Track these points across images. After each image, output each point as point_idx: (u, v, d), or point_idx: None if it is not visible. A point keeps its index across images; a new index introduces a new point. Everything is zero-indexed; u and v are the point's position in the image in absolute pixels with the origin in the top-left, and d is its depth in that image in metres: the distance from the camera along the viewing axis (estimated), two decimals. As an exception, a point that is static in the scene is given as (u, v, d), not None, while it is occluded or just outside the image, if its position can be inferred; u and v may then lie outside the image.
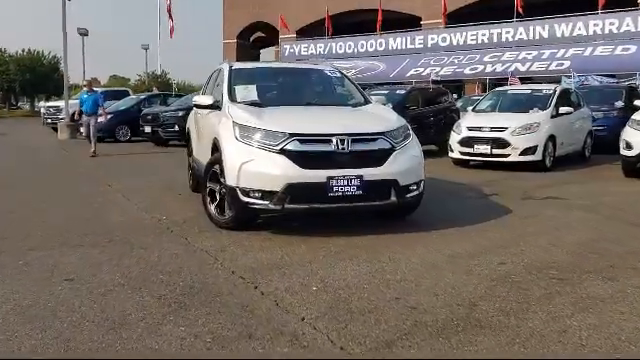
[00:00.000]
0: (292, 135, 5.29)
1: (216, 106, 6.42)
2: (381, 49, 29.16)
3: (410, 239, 5.44)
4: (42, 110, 32.35)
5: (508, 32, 26.38)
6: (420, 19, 32.04)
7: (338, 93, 7.14)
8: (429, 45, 28.84)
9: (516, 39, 26.09)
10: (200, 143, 7.30)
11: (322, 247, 5.09)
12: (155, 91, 29.41)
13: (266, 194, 5.28)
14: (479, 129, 11.62)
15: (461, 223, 6.12)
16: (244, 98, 6.35)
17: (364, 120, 5.94)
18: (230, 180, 5.41)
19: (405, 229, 5.83)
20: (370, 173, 5.35)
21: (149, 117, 18.37)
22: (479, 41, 27.32)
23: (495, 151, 11.19)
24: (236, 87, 6.52)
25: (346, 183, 5.27)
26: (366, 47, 30.58)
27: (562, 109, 12.02)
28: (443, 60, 26.36)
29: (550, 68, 22.59)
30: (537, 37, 25.55)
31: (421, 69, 25.88)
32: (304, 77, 7.31)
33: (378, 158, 5.46)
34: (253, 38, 46.30)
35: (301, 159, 5.25)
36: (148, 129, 18.26)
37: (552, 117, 11.76)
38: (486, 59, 25.31)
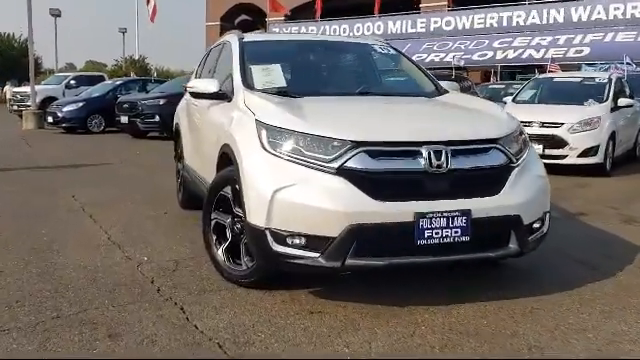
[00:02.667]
0: (357, 144, 3.23)
1: (223, 95, 4.33)
2: (379, 33, 27.05)
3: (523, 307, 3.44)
4: (7, 96, 29.75)
5: (519, 16, 24.42)
6: (420, 1, 29.99)
7: (398, 78, 5.09)
8: (432, 29, 26.74)
9: (528, 23, 24.14)
10: (198, 148, 5.19)
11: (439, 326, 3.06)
12: (133, 76, 27.01)
13: (315, 242, 3.22)
14: (527, 124, 9.61)
15: (585, 276, 4.13)
16: (265, 84, 4.25)
17: (461, 119, 3.86)
18: (255, 216, 3.34)
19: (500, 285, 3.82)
20: (481, 207, 3.31)
21: (126, 106, 16.11)
22: (487, 25, 25.28)
23: (548, 151, 9.17)
24: (252, 68, 4.42)
25: (445, 224, 3.23)
26: (362, 30, 28.36)
27: (621, 101, 10.12)
28: (448, 46, 24.37)
29: (568, 55, 20.77)
30: (551, 21, 23.64)
31: (424, 55, 23.84)
32: (346, 54, 5.20)
33: (491, 181, 3.43)
34: (238, 21, 43.80)
35: (373, 185, 3.20)
36: (125, 119, 16.01)
37: (611, 111, 9.83)
38: (496, 45, 23.38)
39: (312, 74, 4.88)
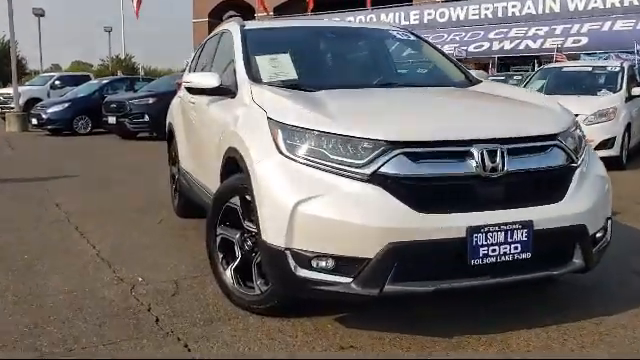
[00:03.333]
0: (394, 145, 2.67)
1: (226, 91, 3.76)
2: (371, 26, 26.40)
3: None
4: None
5: (515, 6, 23.90)
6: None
7: (422, 66, 4.53)
8: (425, 21, 26.14)
9: (523, 14, 23.67)
10: (196, 151, 4.62)
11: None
12: (120, 75, 26.30)
13: (347, 264, 2.66)
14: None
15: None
16: (273, 77, 3.69)
17: (511, 112, 3.27)
18: (272, 235, 2.78)
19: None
20: (544, 217, 2.76)
21: (113, 105, 15.45)
22: (482, 16, 24.73)
23: (563, 145, 8.65)
24: (258, 59, 3.85)
25: (503, 238, 2.68)
26: (354, 24, 27.77)
27: (635, 90, 9.62)
28: (442, 38, 23.80)
29: (566, 45, 20.28)
30: (547, 11, 23.17)
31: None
32: (361, 41, 4.62)
33: (554, 186, 2.88)
34: (226, 17, 43.05)
35: (415, 194, 2.65)
36: (112, 120, 15.34)
37: (626, 101, 9.34)
38: (491, 36, 22.84)
39: (325, 64, 4.31)
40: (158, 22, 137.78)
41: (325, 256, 2.67)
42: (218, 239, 3.41)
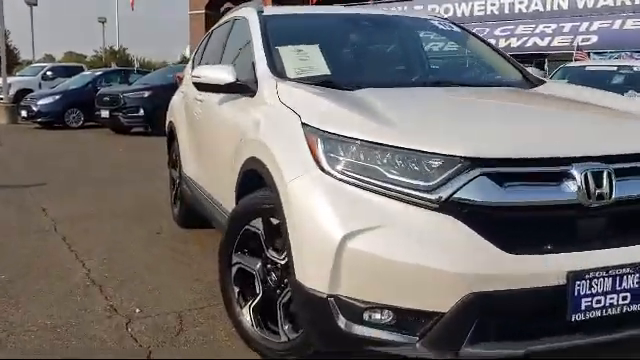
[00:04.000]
0: (474, 163, 2.04)
1: (243, 88, 3.13)
2: (373, 21, 25.71)
3: None
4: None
5: (522, 2, 23.28)
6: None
7: (471, 62, 3.91)
8: (428, 17, 25.58)
9: (531, 10, 23.03)
10: (204, 157, 3.99)
11: None
12: (114, 67, 25.54)
13: (411, 319, 2.04)
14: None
15: None
16: (301, 72, 3.06)
17: (607, 122, 2.59)
18: (311, 276, 2.17)
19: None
20: (662, 258, 2.15)
21: (107, 98, 14.75)
22: (487, 12, 24.01)
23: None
24: (281, 50, 3.22)
25: (610, 286, 2.07)
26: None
27: (664, 92, 9.04)
28: (446, 34, 23.18)
29: (575, 44, 19.71)
30: (555, 8, 22.57)
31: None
32: (400, 32, 3.96)
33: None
34: (223, 9, 42.19)
35: (501, 228, 2.03)
36: (105, 113, 14.65)
37: (655, 103, 8.75)
38: (497, 33, 22.19)
39: (360, 57, 3.67)
40: (153, 14, 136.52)
41: (382, 308, 2.05)
42: (234, 270, 2.79)
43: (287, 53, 3.20)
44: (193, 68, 5.05)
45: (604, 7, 21.67)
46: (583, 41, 20.07)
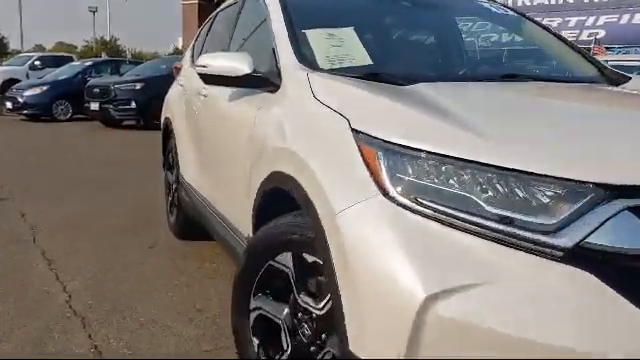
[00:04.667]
0: (613, 192, 1.42)
1: (262, 81, 2.50)
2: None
3: None
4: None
5: (524, -6, 22.80)
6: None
7: (535, 52, 3.30)
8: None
9: (535, 4, 22.47)
10: (210, 165, 3.33)
11: None
12: (104, 57, 24.77)
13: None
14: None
15: None
16: (337, 61, 2.43)
17: None
18: (374, 349, 1.55)
19: None
20: None
21: (97, 90, 14.05)
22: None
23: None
24: (309, 34, 2.58)
25: None
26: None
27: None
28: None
29: (581, 38, 19.14)
30: (561, 2, 22.01)
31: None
32: (448, 15, 3.33)
33: None
34: None
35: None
36: (95, 106, 13.95)
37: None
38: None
39: (404, 44, 3.05)
40: (145, 4, 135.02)
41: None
42: (252, 316, 2.17)
43: (316, 38, 2.56)
44: (193, 57, 4.43)
45: (610, 1, 21.15)
46: (589, 36, 19.51)
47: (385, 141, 1.65)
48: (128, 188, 6.44)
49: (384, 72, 2.32)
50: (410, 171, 1.59)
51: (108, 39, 46.17)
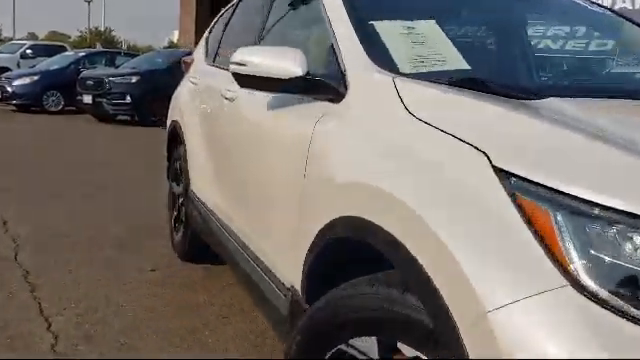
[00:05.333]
0: None
1: (321, 86, 1.89)
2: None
3: None
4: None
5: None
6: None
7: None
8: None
9: (637, 7, 22.03)
10: (238, 187, 2.65)
11: None
12: (99, 48, 24.03)
13: None
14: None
15: None
16: (422, 64, 1.82)
17: None
18: None
19: None
20: None
21: (90, 82, 13.37)
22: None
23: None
24: (377, 27, 1.97)
25: None
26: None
27: None
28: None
29: (590, 48, 18.66)
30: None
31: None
32: (549, 12, 2.78)
33: None
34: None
35: None
36: (88, 99, 13.28)
37: None
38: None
39: (499, 44, 2.45)
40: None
41: None
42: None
43: (390, 32, 1.96)
44: (208, 52, 3.81)
45: (622, 9, 20.68)
46: (598, 46, 19.03)
47: (564, 194, 1.04)
48: (124, 195, 5.80)
49: (487, 80, 1.71)
50: (612, 247, 0.99)
51: (103, 29, 45.34)
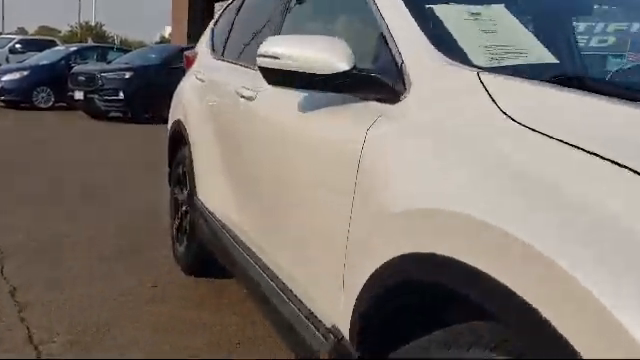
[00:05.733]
0: None
1: (367, 82, 1.54)
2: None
3: None
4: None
5: None
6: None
7: None
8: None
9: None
10: (265, 206, 2.27)
11: None
12: (90, 43, 23.56)
13: None
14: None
15: None
16: (501, 55, 1.47)
17: None
18: None
19: None
20: None
21: (82, 78, 12.93)
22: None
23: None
24: (437, 11, 1.62)
25: None
26: None
27: None
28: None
29: (590, 44, 18.41)
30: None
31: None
32: None
33: None
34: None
35: None
36: (79, 95, 12.84)
37: None
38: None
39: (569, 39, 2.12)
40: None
41: None
42: None
43: (453, 18, 1.62)
44: (214, 45, 3.45)
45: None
46: (600, 42, 18.79)
47: None
48: (121, 199, 5.43)
49: (580, 76, 1.37)
50: None
51: (93, 24, 44.75)
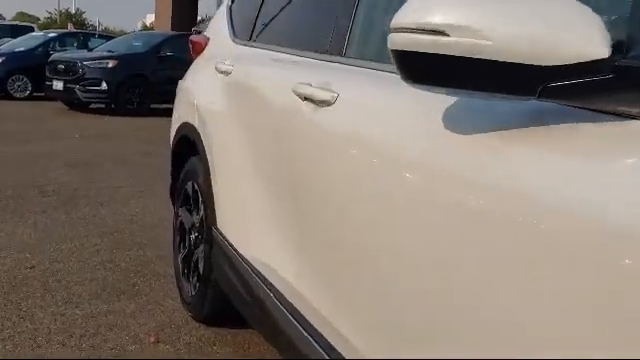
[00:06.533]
0: None
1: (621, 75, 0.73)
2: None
3: None
4: None
5: None
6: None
7: None
8: None
9: None
10: (333, 254, 1.45)
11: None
12: (71, 29, 22.43)
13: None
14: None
15: None
16: None
17: None
18: None
19: None
20: None
21: (61, 66, 12.00)
22: None
23: None
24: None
25: None
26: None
27: None
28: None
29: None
30: None
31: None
32: None
33: None
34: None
35: None
36: (59, 85, 11.90)
37: None
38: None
39: None
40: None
41: None
42: None
43: None
44: (234, 28, 2.64)
45: None
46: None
47: None
48: (104, 205, 4.58)
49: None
50: None
51: (73, 12, 43.33)
